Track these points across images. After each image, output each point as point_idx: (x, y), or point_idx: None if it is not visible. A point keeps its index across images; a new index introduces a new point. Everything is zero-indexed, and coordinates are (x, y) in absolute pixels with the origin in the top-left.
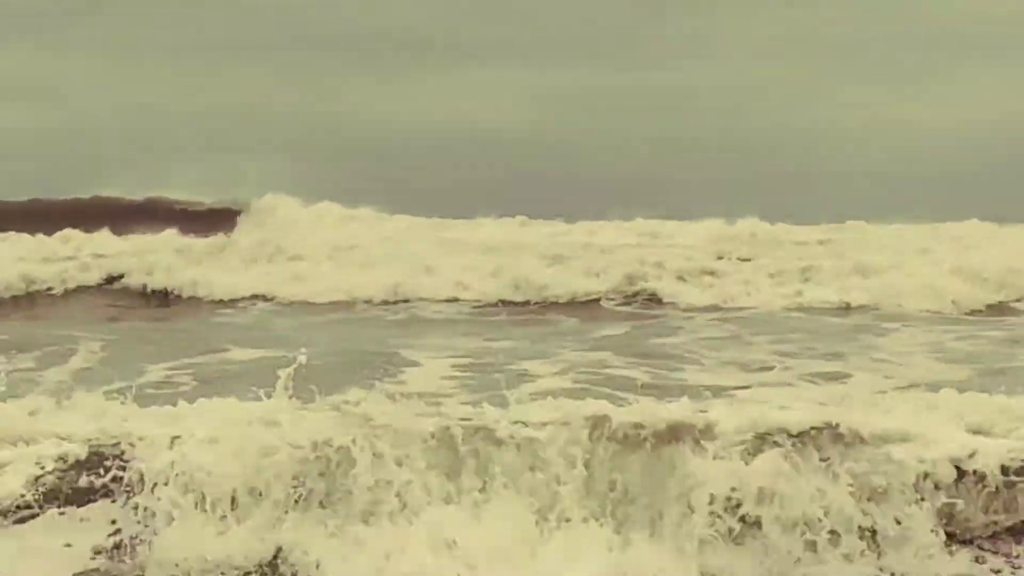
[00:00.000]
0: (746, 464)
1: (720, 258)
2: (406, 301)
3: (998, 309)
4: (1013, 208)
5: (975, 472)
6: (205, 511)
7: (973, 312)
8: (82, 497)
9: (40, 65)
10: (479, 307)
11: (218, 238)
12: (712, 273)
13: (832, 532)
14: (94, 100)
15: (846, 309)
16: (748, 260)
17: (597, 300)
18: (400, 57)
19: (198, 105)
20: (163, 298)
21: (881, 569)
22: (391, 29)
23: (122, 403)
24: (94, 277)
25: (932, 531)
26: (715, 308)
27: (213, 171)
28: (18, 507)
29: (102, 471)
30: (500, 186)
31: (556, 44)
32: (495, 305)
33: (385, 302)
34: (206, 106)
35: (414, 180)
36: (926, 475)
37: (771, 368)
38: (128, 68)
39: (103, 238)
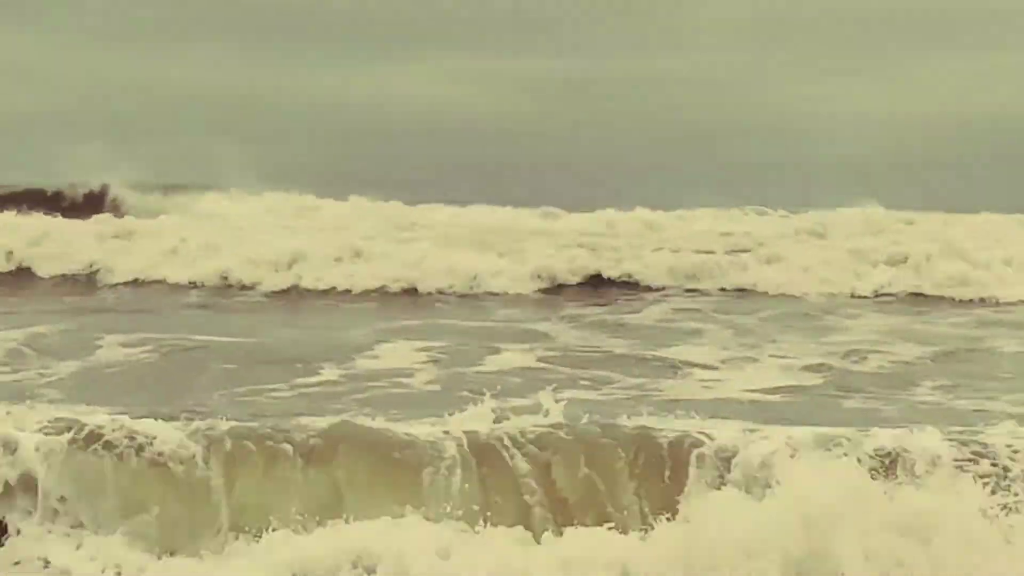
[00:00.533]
0: None
1: (711, 250)
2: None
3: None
4: (976, 196)
5: None
6: None
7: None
8: None
9: None
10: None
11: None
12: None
13: None
14: (56, 81)
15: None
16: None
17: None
18: (380, 43)
19: (158, 87)
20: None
21: None
22: (371, 15)
23: None
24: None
25: None
26: (694, 291)
27: (169, 154)
28: None
29: None
30: (485, 172)
31: (526, 32)
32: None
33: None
34: (164, 89)
35: (394, 165)
36: None
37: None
38: (93, 50)
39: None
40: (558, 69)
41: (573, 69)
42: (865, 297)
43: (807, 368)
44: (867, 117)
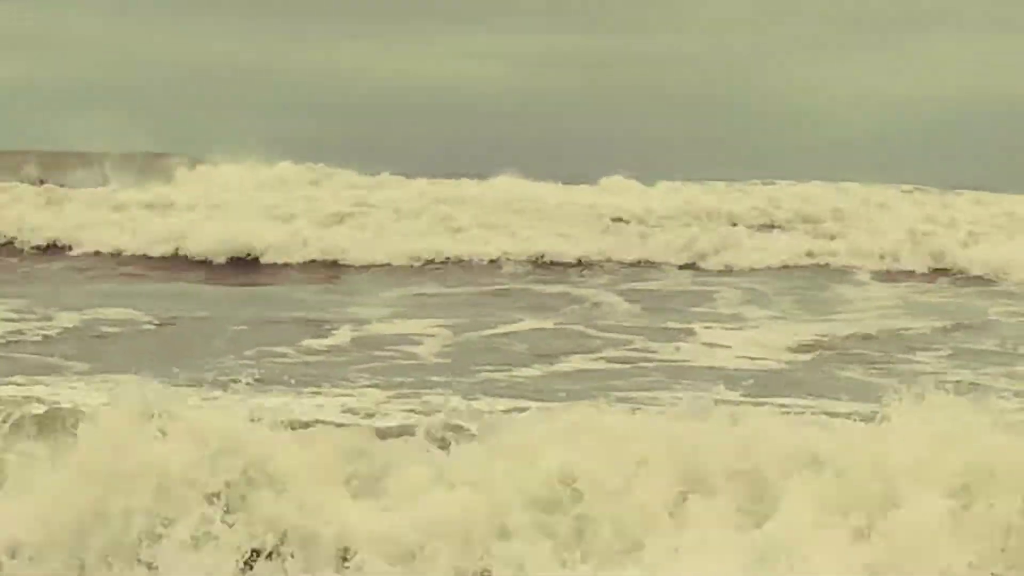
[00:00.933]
0: None
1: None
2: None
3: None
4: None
5: None
6: None
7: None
8: None
9: None
10: None
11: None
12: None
13: None
14: (70, 52)
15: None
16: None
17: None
18: (401, 20)
19: (174, 59)
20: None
21: None
22: None
23: None
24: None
25: None
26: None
27: (182, 125)
28: None
29: None
30: (501, 147)
31: (543, 10)
32: None
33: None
34: (180, 61)
35: (394, 140)
36: None
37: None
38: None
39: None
40: (576, 46)
41: (590, 46)
42: (863, 269)
43: (814, 337)
44: (870, 97)
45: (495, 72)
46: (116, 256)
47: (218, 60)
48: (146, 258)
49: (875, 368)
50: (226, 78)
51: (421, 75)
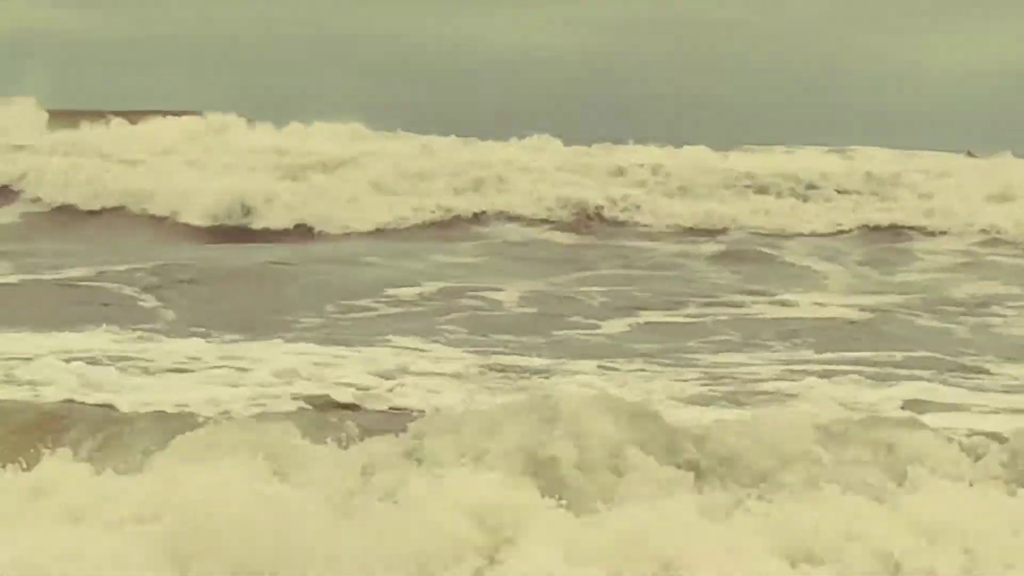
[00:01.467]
0: None
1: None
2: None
3: None
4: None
5: None
6: None
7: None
8: None
9: None
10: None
11: None
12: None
13: None
14: (148, 12)
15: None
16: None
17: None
18: None
19: (250, 24)
20: None
21: None
22: None
23: None
24: None
25: None
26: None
27: (264, 88)
28: None
29: None
30: (564, 109)
31: None
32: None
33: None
34: (263, 26)
35: (482, 103)
36: None
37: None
38: None
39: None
40: (643, 11)
41: (666, 13)
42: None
43: (885, 296)
44: (935, 66)
45: (574, 38)
46: (174, 219)
47: (312, 24)
48: (211, 221)
49: (945, 322)
50: (319, 42)
51: (504, 41)
